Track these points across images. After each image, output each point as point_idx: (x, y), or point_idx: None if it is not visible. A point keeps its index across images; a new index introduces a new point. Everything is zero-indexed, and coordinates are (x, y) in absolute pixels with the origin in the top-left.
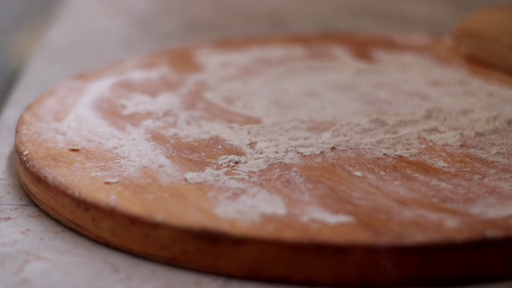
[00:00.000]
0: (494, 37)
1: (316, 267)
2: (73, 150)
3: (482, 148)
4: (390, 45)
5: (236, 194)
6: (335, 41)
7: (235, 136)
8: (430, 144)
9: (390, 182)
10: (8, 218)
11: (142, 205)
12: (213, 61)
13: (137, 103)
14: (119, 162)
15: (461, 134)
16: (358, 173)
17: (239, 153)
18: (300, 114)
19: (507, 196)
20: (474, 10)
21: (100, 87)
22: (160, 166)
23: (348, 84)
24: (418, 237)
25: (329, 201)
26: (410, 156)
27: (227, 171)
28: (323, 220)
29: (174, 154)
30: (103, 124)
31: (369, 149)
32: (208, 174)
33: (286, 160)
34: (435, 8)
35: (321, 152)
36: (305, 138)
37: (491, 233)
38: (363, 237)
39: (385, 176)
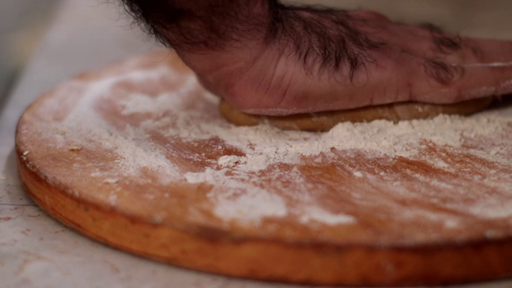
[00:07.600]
0: None
1: (316, 267)
2: (73, 150)
3: (482, 149)
4: None
5: (236, 194)
6: None
7: (235, 137)
8: (430, 144)
9: (390, 182)
10: (8, 218)
11: (142, 205)
12: None
13: (137, 103)
14: (119, 162)
15: (461, 135)
16: (358, 173)
17: (239, 153)
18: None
19: (507, 196)
20: (474, 10)
21: (100, 87)
22: (160, 166)
23: None
24: (418, 237)
25: (329, 201)
26: (410, 156)
27: (227, 171)
28: (323, 220)
29: (174, 154)
30: (103, 124)
31: (369, 149)
32: (208, 174)
33: (286, 160)
34: (435, 8)
35: (321, 152)
36: (305, 138)
37: (491, 233)
38: (363, 237)
39: (385, 176)
